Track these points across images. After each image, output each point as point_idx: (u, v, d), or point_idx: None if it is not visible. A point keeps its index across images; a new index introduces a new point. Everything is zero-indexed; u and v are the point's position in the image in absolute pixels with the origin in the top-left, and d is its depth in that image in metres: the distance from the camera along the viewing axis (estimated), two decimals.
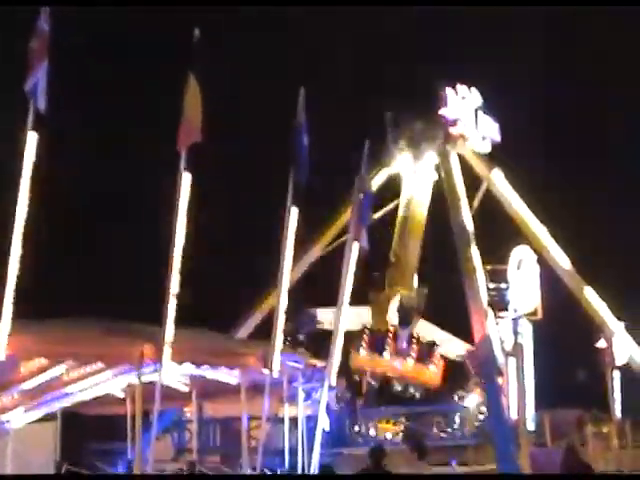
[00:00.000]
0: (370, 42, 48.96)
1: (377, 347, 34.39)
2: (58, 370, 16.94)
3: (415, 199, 37.20)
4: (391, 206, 37.60)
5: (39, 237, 15.20)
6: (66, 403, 19.56)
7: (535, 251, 34.22)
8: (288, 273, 19.33)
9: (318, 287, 30.67)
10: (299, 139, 19.57)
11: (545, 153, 44.88)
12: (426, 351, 35.08)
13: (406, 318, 35.02)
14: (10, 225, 14.59)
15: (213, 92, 17.14)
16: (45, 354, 16.12)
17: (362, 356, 34.00)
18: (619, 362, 35.20)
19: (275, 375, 18.51)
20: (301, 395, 20.49)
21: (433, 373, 35.09)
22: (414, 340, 34.66)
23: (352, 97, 46.10)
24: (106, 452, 26.20)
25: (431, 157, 36.84)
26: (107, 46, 45.69)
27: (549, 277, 36.06)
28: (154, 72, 41.07)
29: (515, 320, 31.07)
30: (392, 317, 34.70)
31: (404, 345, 34.54)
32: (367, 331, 34.48)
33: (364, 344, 34.02)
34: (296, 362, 19.97)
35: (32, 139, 14.94)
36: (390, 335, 34.49)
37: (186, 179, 16.56)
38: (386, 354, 34.22)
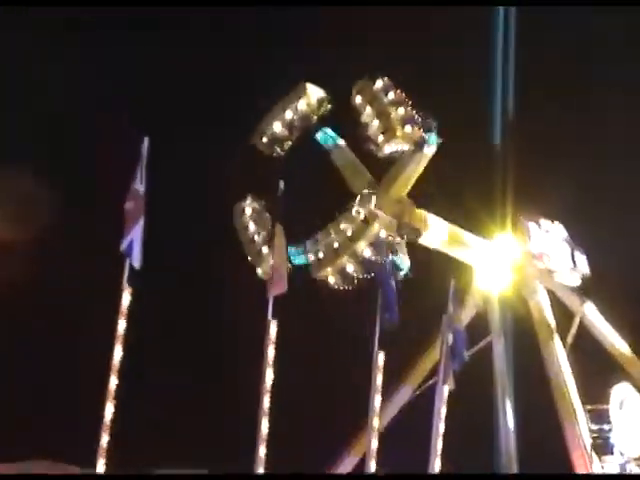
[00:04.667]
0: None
1: None
2: None
3: None
4: (482, 343, 36.99)
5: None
6: None
7: (638, 389, 32.90)
8: (377, 416, 19.07)
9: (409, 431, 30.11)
10: (386, 281, 19.53)
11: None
12: None
13: None
14: None
15: None
16: None
17: None
18: None
19: None
20: None
21: None
22: None
23: None
24: None
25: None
26: None
27: None
28: None
29: (622, 466, 29.45)
30: None
31: None
32: None
33: None
34: None
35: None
36: None
37: (273, 327, 16.75)
38: None
